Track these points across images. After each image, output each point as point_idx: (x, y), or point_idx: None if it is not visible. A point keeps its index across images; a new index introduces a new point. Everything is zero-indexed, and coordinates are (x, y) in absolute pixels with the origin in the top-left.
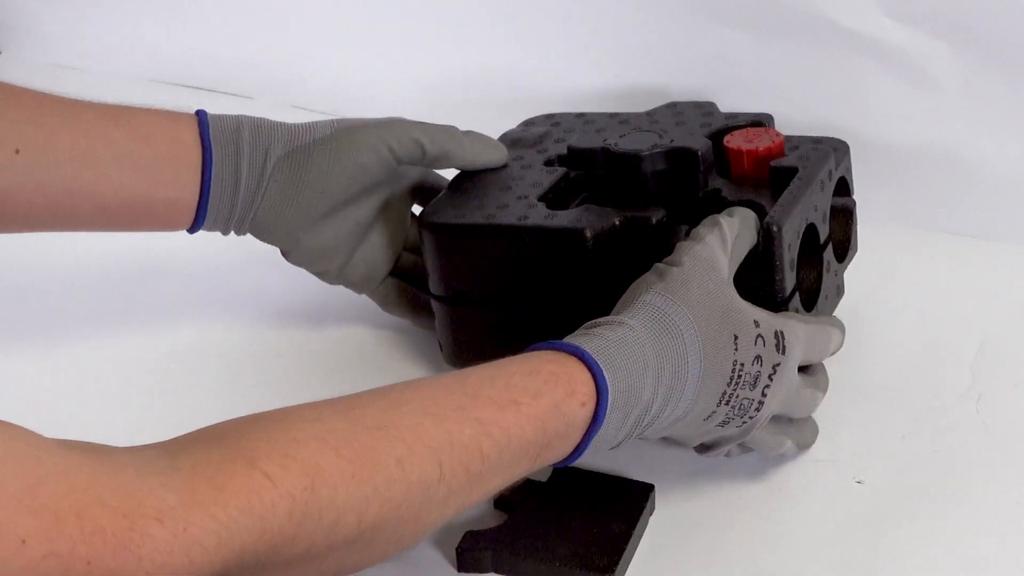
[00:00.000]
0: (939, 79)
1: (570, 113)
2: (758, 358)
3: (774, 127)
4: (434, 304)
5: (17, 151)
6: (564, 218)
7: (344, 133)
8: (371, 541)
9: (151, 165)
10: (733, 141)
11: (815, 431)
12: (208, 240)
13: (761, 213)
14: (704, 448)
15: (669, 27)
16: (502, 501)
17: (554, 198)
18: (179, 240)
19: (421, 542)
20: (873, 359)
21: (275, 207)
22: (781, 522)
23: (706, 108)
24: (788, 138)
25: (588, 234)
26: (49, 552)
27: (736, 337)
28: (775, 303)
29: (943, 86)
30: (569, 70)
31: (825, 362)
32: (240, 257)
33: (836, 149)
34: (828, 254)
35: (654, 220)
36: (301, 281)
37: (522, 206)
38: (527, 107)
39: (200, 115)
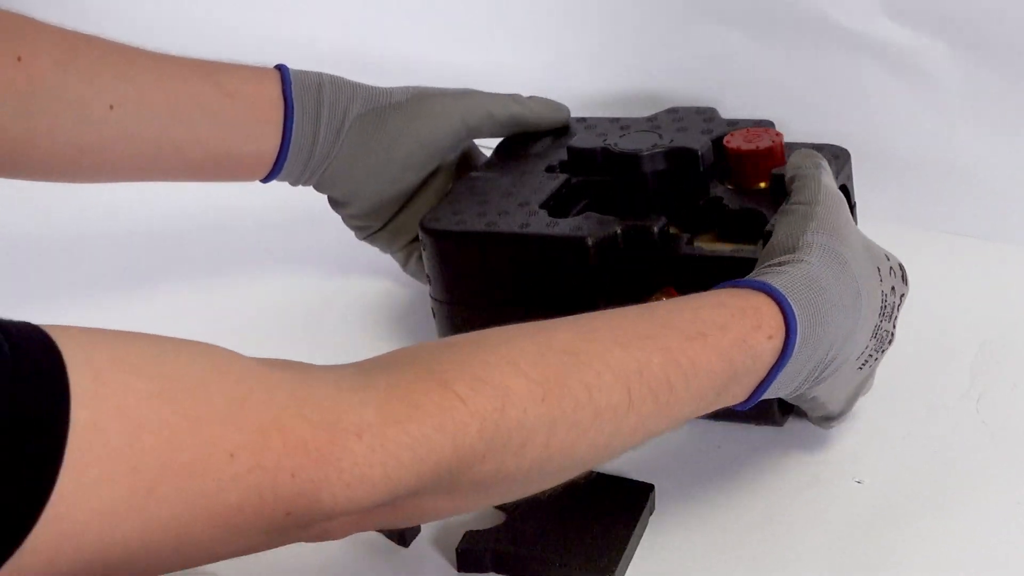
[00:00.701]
0: (939, 79)
1: (572, 117)
2: (893, 289)
3: None
4: (435, 308)
5: (111, 107)
6: (565, 226)
7: (420, 100)
8: (560, 463)
9: (236, 121)
10: (733, 141)
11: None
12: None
13: (762, 221)
14: (826, 420)
15: (670, 32)
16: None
17: (555, 205)
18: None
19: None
20: None
21: (345, 165)
22: (781, 522)
23: (707, 114)
24: (789, 145)
25: (589, 242)
26: (256, 465)
27: (879, 269)
28: None
29: (943, 86)
30: (570, 75)
31: None
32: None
33: (837, 157)
34: None
35: (655, 228)
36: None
37: (523, 213)
38: None
39: (283, 71)
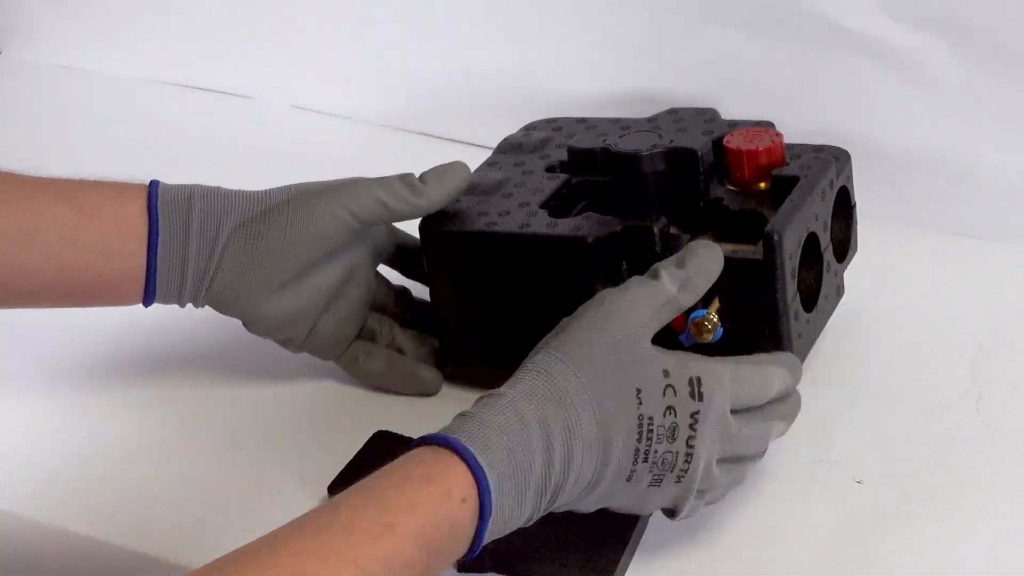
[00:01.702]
0: (939, 79)
1: (572, 118)
2: (670, 409)
3: None
4: (435, 310)
5: None
6: (565, 226)
7: (301, 200)
8: None
9: (97, 241)
10: (733, 142)
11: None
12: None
13: (762, 222)
14: (670, 513)
15: (671, 32)
16: None
17: (556, 205)
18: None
19: None
20: (873, 359)
21: (231, 279)
22: (781, 522)
23: (708, 115)
24: (789, 146)
25: (589, 243)
26: None
27: (639, 391)
28: (775, 311)
29: (943, 86)
30: (571, 75)
31: (824, 362)
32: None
33: (837, 158)
34: (828, 254)
35: (656, 229)
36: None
37: (524, 213)
38: (529, 111)
39: (152, 186)
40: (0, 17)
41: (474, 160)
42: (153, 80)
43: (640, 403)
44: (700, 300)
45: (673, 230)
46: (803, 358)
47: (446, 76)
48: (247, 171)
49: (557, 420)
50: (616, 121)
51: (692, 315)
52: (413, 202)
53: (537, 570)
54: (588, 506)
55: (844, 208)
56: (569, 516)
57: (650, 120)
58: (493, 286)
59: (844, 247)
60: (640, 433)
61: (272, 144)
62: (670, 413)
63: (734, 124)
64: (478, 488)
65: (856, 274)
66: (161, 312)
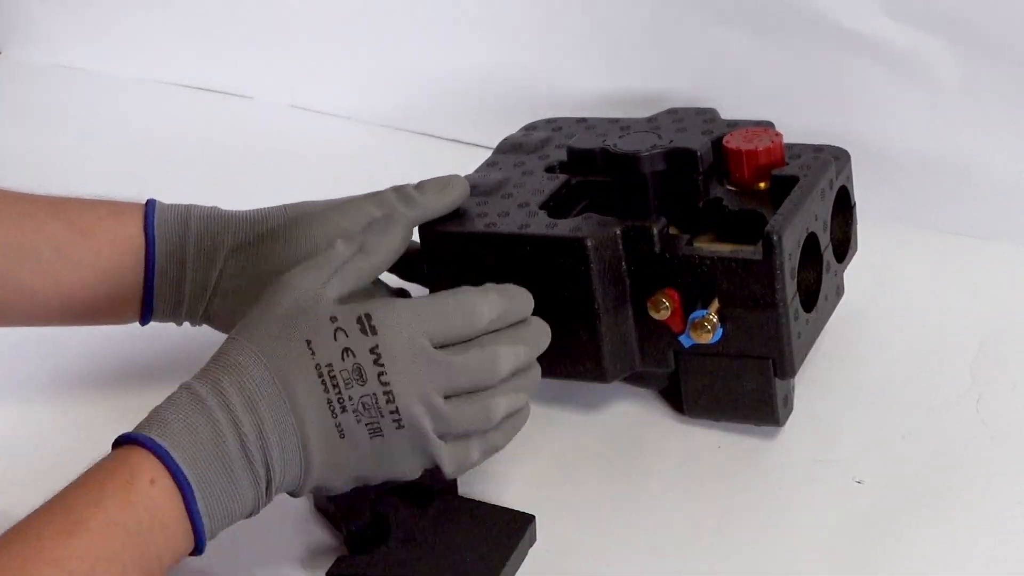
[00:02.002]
0: (939, 79)
1: (571, 118)
2: (347, 351)
3: None
4: None
5: None
6: (565, 227)
7: (297, 222)
8: None
9: (93, 260)
10: (732, 142)
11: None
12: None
13: (762, 222)
14: (430, 476)
15: (671, 32)
16: (378, 526)
17: (555, 206)
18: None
19: None
20: (873, 359)
21: (228, 300)
22: (781, 522)
23: (707, 114)
24: (789, 146)
25: (589, 243)
26: None
27: (309, 341)
28: (775, 311)
29: (943, 86)
30: (571, 75)
31: (824, 362)
32: None
33: (837, 158)
34: (828, 254)
35: (655, 229)
36: None
37: (523, 214)
38: (529, 111)
39: (148, 205)
40: (0, 17)
41: (474, 160)
42: (153, 80)
43: (313, 353)
44: (700, 300)
45: (673, 230)
46: (803, 358)
47: (446, 76)
48: (247, 171)
49: (232, 387)
50: (616, 121)
51: (691, 315)
52: (408, 214)
53: None
54: (333, 480)
55: (844, 208)
56: (444, 544)
57: (649, 120)
58: None
59: (844, 247)
60: (324, 383)
61: (272, 144)
62: (348, 355)
63: (734, 124)
64: (166, 467)
65: (856, 274)
66: (157, 326)
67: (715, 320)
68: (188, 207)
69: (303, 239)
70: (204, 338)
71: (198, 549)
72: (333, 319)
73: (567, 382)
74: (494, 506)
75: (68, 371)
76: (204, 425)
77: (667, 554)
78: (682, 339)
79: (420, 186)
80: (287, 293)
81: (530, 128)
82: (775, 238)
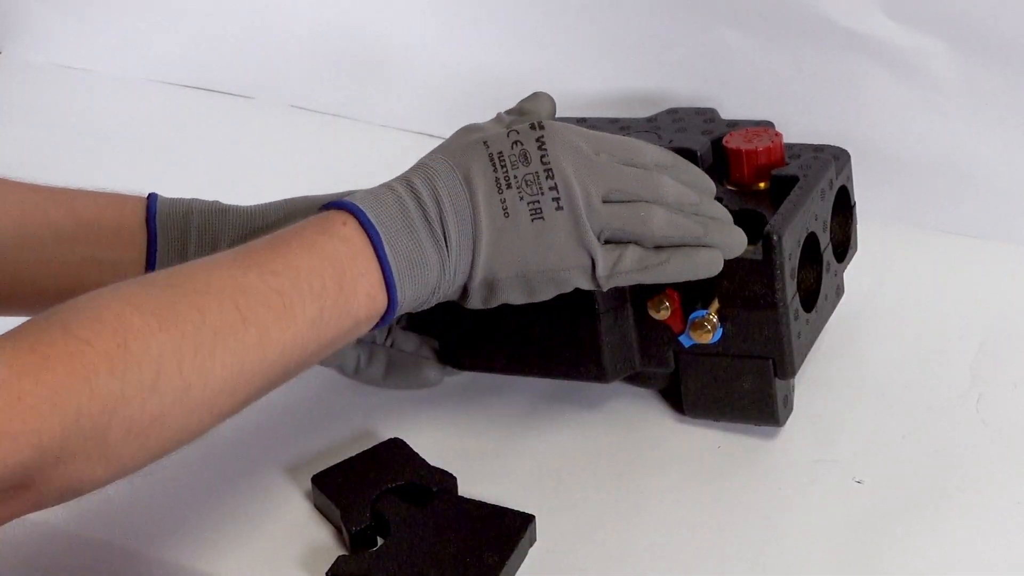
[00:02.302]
0: (939, 79)
1: (571, 118)
2: (516, 143)
3: None
4: (434, 312)
5: None
6: None
7: (296, 217)
8: (203, 392)
9: (94, 250)
10: (732, 141)
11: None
12: None
13: (762, 222)
14: (592, 274)
15: (670, 31)
16: (379, 526)
17: None
18: None
19: (262, 392)
20: (873, 359)
21: None
22: (781, 522)
23: (707, 114)
24: (789, 146)
25: None
26: None
27: (486, 142)
28: (775, 311)
29: (943, 86)
30: (570, 74)
31: (824, 362)
32: None
33: (837, 158)
34: (828, 254)
35: None
36: None
37: None
38: None
39: (150, 198)
40: (0, 17)
41: None
42: (153, 80)
43: (487, 147)
44: (700, 300)
45: None
46: (803, 358)
47: (446, 76)
48: (247, 171)
49: (414, 173)
50: (615, 121)
51: (692, 315)
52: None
53: None
54: (499, 265)
55: (844, 208)
56: (444, 543)
57: (649, 120)
58: None
59: (844, 247)
60: (493, 163)
61: (272, 144)
62: (517, 145)
63: (734, 124)
64: (354, 215)
65: (856, 274)
66: None
67: (715, 320)
68: (190, 201)
69: None
70: None
71: (391, 303)
72: (509, 126)
73: (567, 381)
74: (494, 506)
75: None
76: (386, 194)
77: (667, 554)
78: (682, 339)
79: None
80: (471, 130)
81: None
82: (775, 238)
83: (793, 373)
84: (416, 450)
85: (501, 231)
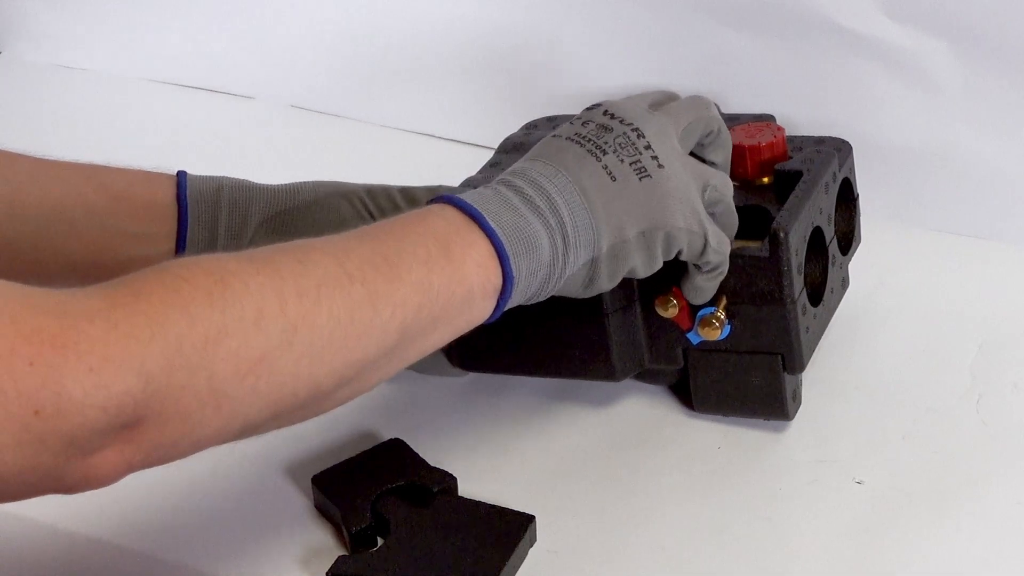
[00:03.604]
0: (939, 79)
1: (572, 115)
2: (586, 122)
3: None
4: None
5: None
6: None
7: (327, 198)
8: (310, 339)
9: (127, 225)
10: (735, 137)
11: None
12: None
13: (767, 217)
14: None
15: (671, 28)
16: (379, 526)
17: None
18: None
19: (380, 361)
20: (873, 359)
21: None
22: (781, 522)
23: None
24: (791, 139)
25: None
26: None
27: (555, 136)
28: (782, 307)
29: (943, 86)
30: (571, 72)
31: (825, 362)
32: None
33: (839, 150)
34: (833, 247)
35: None
36: None
37: None
38: (529, 110)
39: (180, 176)
40: (0, 17)
41: (475, 160)
42: (153, 80)
43: (559, 137)
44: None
45: None
46: (811, 352)
47: (446, 76)
48: (247, 171)
49: (501, 178)
50: None
51: (699, 312)
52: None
53: None
54: (624, 226)
55: (847, 200)
56: (444, 544)
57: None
58: None
59: (848, 239)
60: (578, 142)
61: (272, 144)
62: (588, 124)
63: (735, 118)
64: (454, 206)
65: (856, 274)
66: None
67: (723, 317)
68: (220, 178)
69: (332, 219)
70: None
71: (506, 275)
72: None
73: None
74: (494, 506)
75: None
76: (480, 190)
77: (667, 554)
78: (690, 336)
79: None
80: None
81: (531, 127)
82: (781, 235)
83: (802, 368)
84: (416, 450)
85: (613, 195)
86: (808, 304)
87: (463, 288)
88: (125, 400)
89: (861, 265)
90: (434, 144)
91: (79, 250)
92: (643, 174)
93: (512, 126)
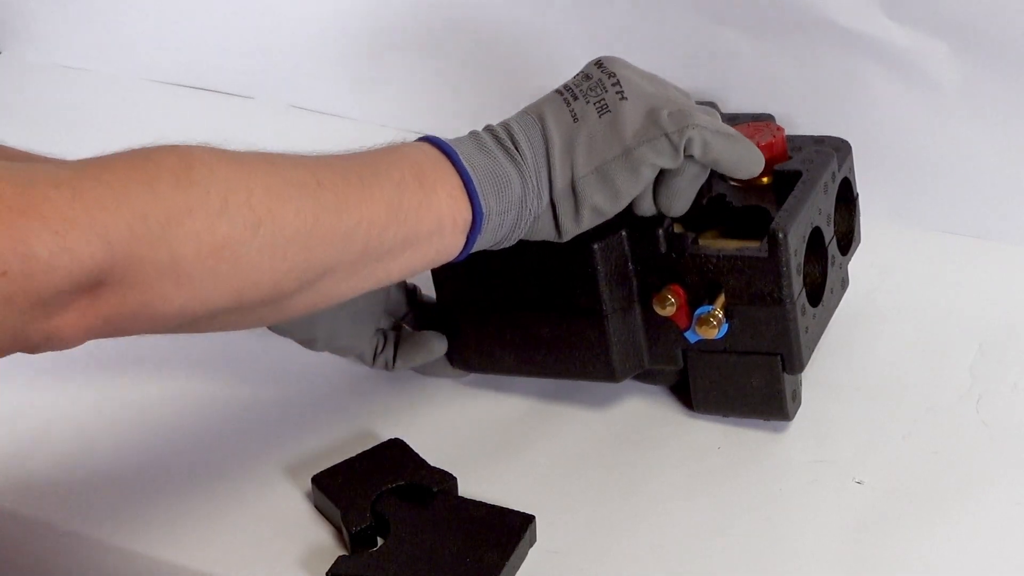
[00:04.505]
0: (939, 79)
1: None
2: (584, 76)
3: None
4: (442, 313)
5: None
6: None
7: None
8: (275, 233)
9: None
10: None
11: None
12: None
13: (766, 217)
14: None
15: (671, 28)
16: (379, 526)
17: None
18: None
19: (339, 273)
20: (873, 359)
21: None
22: (781, 522)
23: (707, 109)
24: (790, 138)
25: (596, 246)
26: None
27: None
28: (782, 307)
29: (943, 86)
30: (571, 71)
31: (825, 362)
32: None
33: (838, 149)
34: (832, 248)
35: (660, 229)
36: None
37: None
38: None
39: None
40: (0, 17)
41: None
42: (153, 80)
43: (558, 92)
44: (705, 297)
45: (677, 229)
46: (811, 352)
47: (446, 76)
48: None
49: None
50: None
51: (697, 311)
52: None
53: None
54: (579, 163)
55: (846, 200)
56: (444, 544)
57: None
58: (500, 289)
59: (848, 239)
60: (562, 94)
61: (272, 144)
62: (582, 77)
63: (734, 118)
64: (426, 140)
65: (856, 274)
66: None
67: (720, 316)
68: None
69: None
70: None
71: (475, 209)
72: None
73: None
74: (494, 506)
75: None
76: (455, 137)
77: (667, 554)
78: (688, 335)
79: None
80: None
81: None
82: (780, 236)
83: (802, 368)
84: (416, 450)
85: (572, 135)
86: (807, 304)
87: (432, 215)
88: (88, 263)
89: (861, 265)
90: None
91: None
92: (604, 111)
93: None
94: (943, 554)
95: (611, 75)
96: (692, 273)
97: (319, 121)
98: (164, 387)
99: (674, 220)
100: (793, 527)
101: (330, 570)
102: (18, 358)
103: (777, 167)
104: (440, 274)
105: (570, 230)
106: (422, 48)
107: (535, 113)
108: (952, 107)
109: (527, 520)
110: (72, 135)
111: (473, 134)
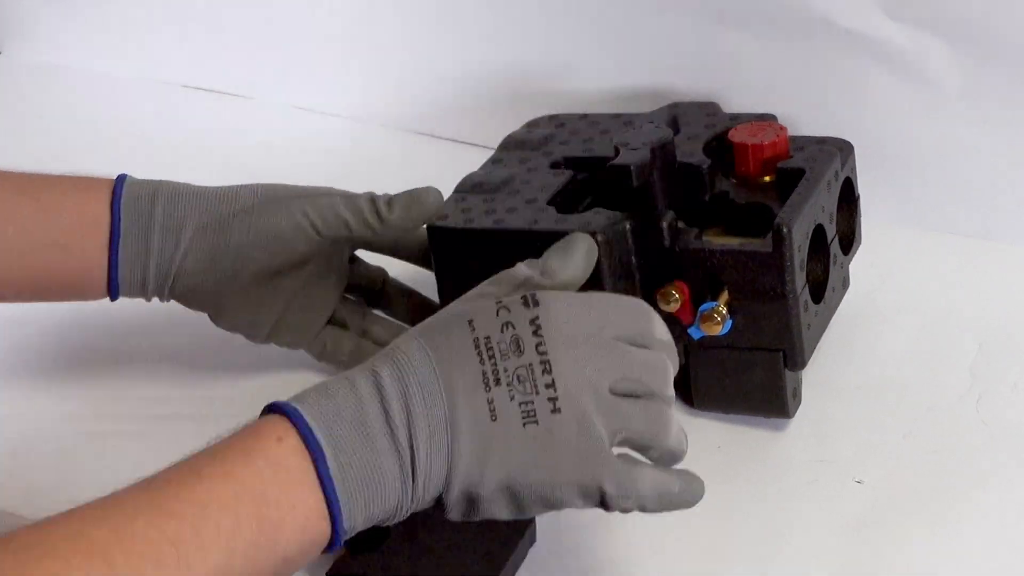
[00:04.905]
0: (939, 79)
1: (574, 114)
2: (507, 324)
3: None
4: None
5: None
6: (575, 222)
7: (265, 204)
8: None
9: (58, 237)
10: (738, 136)
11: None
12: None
13: (770, 215)
14: (599, 501)
15: (672, 27)
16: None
17: (563, 201)
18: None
19: None
20: (873, 359)
21: (195, 276)
22: (781, 522)
23: (709, 109)
24: (793, 138)
25: (600, 239)
26: None
27: (471, 320)
28: (785, 303)
29: (943, 86)
30: (573, 71)
31: (825, 362)
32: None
33: (841, 149)
34: (834, 247)
35: (664, 224)
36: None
37: (532, 210)
38: (530, 108)
39: (117, 181)
40: (0, 17)
41: (476, 160)
42: (153, 80)
43: (473, 329)
44: (709, 293)
45: (681, 224)
46: (812, 349)
47: (446, 76)
48: (247, 171)
49: (383, 364)
50: (617, 116)
51: (701, 307)
52: (375, 227)
53: None
54: (482, 477)
55: (848, 200)
56: (445, 544)
57: (651, 115)
58: None
59: (849, 239)
60: (480, 353)
61: (272, 144)
62: (508, 328)
63: (736, 117)
64: (295, 425)
65: (857, 274)
66: (129, 302)
67: (724, 312)
68: (157, 183)
69: (269, 224)
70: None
71: (335, 532)
72: (499, 301)
73: None
74: None
75: (36, 348)
76: (345, 392)
77: (667, 554)
78: (691, 331)
79: (392, 201)
80: (465, 299)
81: (533, 125)
82: (785, 230)
83: (803, 365)
84: None
85: (485, 439)
86: (810, 301)
87: (276, 558)
88: None
89: (861, 265)
90: (434, 144)
91: (11, 266)
92: (529, 419)
93: (512, 125)
94: (943, 554)
95: (545, 363)
96: (695, 268)
97: (319, 121)
98: (164, 387)
99: (678, 216)
100: (793, 526)
101: (330, 570)
102: (18, 358)
103: (780, 165)
104: (442, 273)
105: (456, 520)
106: (422, 48)
107: (447, 382)
108: (952, 107)
109: (527, 520)
110: (72, 135)
111: (360, 405)
